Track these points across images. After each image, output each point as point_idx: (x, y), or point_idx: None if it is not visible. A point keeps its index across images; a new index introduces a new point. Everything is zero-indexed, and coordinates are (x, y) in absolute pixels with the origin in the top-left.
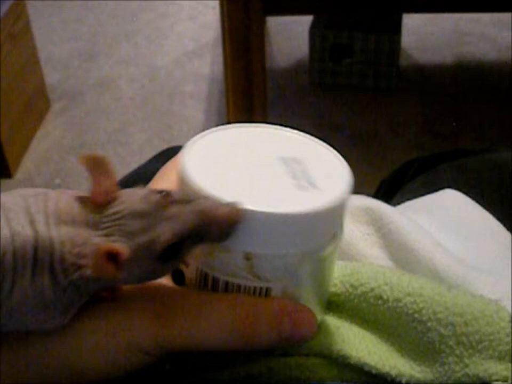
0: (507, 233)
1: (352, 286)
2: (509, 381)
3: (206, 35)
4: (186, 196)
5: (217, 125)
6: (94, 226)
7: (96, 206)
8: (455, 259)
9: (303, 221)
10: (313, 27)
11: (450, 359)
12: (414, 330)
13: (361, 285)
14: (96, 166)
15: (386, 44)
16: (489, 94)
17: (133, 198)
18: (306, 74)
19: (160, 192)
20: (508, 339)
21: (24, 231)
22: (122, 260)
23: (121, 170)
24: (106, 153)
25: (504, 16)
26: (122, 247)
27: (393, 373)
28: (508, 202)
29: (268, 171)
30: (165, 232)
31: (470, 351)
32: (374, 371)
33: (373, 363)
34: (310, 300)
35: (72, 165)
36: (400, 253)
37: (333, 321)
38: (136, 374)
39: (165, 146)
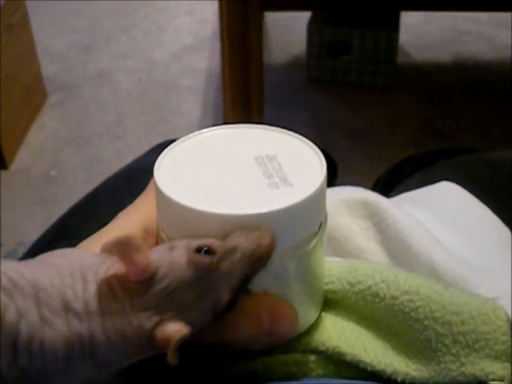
0: (506, 228)
1: (349, 283)
2: (506, 380)
3: (204, 29)
4: (225, 245)
5: (213, 120)
6: (139, 307)
7: (137, 285)
8: (453, 256)
9: (275, 218)
10: (311, 23)
11: (447, 357)
12: (410, 328)
13: (359, 282)
14: (123, 247)
15: (384, 41)
16: (487, 93)
17: (176, 266)
18: (303, 70)
19: (200, 250)
20: (505, 338)
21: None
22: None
23: (117, 163)
24: (103, 145)
25: (503, 16)
26: (183, 329)
27: (389, 370)
28: (505, 200)
29: (240, 172)
30: (224, 292)
31: (467, 350)
32: (369, 368)
33: (368, 360)
34: (299, 299)
35: (68, 157)
36: (397, 248)
37: (329, 318)
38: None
39: (161, 140)
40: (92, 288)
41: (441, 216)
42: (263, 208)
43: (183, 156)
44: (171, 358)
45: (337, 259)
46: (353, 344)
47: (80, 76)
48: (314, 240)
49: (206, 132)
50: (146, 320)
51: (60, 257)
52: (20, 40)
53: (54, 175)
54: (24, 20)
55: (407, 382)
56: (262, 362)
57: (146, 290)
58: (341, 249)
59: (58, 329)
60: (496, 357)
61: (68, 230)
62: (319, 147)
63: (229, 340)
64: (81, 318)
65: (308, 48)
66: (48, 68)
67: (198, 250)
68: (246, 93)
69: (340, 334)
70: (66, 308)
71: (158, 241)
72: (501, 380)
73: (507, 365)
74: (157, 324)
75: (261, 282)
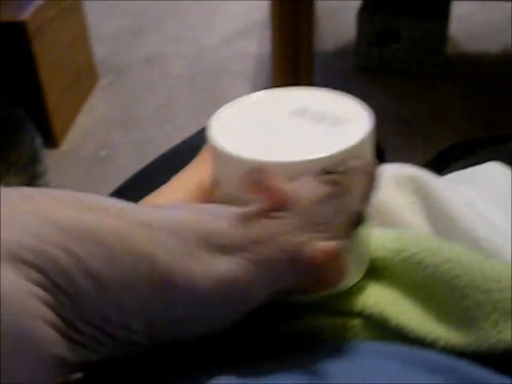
0: None
1: (394, 251)
2: None
3: (254, 15)
4: (342, 166)
5: None
6: (286, 231)
7: (278, 212)
8: (496, 230)
9: (329, 162)
10: (362, 11)
11: (486, 324)
12: (451, 296)
13: (403, 250)
14: (258, 178)
15: (434, 30)
16: None
17: (309, 189)
18: (352, 58)
19: (326, 172)
20: None
21: None
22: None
23: (166, 145)
24: (152, 127)
25: None
26: (340, 243)
27: (430, 337)
28: None
29: (293, 124)
30: (355, 203)
31: (505, 317)
32: (411, 335)
33: (411, 327)
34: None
35: (117, 138)
36: (441, 221)
37: (376, 285)
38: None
39: None
40: (234, 222)
41: (486, 193)
42: (327, 151)
43: (235, 115)
44: (340, 267)
45: (383, 229)
46: (397, 311)
47: (130, 59)
48: None
49: (255, 95)
50: (292, 242)
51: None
52: (72, 23)
53: (103, 155)
54: (76, 3)
55: (448, 348)
56: (310, 324)
57: (289, 214)
58: (389, 222)
59: (206, 263)
60: None
61: None
62: None
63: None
64: (227, 252)
65: (358, 36)
66: (99, 51)
67: (322, 173)
68: (295, 79)
69: (386, 300)
70: (208, 242)
71: (214, 197)
72: None
73: None
74: (304, 243)
75: None
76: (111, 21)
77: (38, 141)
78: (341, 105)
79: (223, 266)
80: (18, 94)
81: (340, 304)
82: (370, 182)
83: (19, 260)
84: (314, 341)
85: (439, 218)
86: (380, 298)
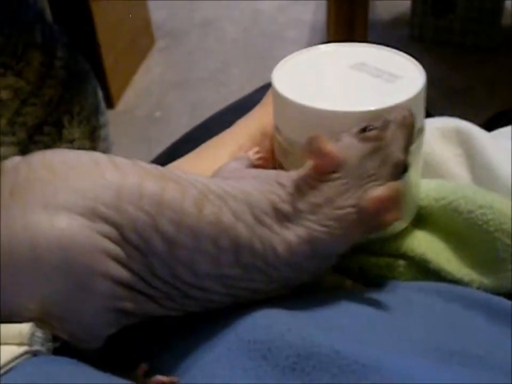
0: None
1: (435, 199)
2: None
3: None
4: (378, 120)
5: None
6: (341, 191)
7: (330, 174)
8: None
9: (358, 118)
10: None
11: (511, 266)
12: (483, 240)
13: (442, 198)
14: (310, 145)
15: (490, 2)
16: None
17: (353, 147)
18: (407, 28)
19: (363, 130)
20: None
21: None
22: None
23: (219, 108)
24: (207, 91)
25: None
26: (391, 187)
27: (466, 279)
28: None
29: (352, 77)
30: (398, 153)
31: None
32: (449, 277)
33: (449, 269)
34: None
35: (172, 100)
36: (482, 172)
37: (419, 230)
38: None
39: None
40: (291, 189)
41: None
42: (385, 103)
43: (298, 65)
44: (395, 215)
45: (427, 180)
46: (438, 254)
47: (187, 23)
48: (414, 145)
49: (320, 47)
50: (351, 198)
51: (245, 173)
52: None
53: (158, 116)
54: None
55: (481, 289)
56: (358, 262)
57: (340, 175)
58: (434, 173)
59: (275, 230)
60: None
61: (180, 156)
62: None
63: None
64: (292, 219)
65: (413, 6)
66: (156, 14)
67: (362, 130)
68: None
69: (428, 244)
70: (276, 211)
71: (273, 143)
72: None
73: None
74: (360, 196)
75: None
76: None
77: (100, 93)
78: (397, 63)
79: (292, 235)
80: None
81: (387, 246)
82: (408, 133)
83: (95, 214)
84: (361, 277)
85: (480, 169)
86: (422, 242)
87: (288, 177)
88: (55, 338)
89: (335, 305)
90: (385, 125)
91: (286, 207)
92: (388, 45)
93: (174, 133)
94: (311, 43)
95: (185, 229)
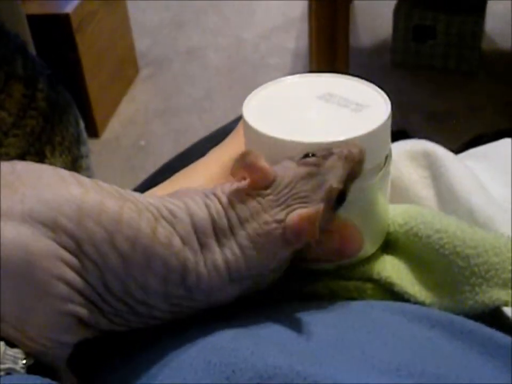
0: None
1: (399, 225)
2: (509, 305)
3: (293, 11)
4: (324, 150)
5: None
6: (269, 207)
7: (262, 190)
8: (491, 200)
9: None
10: (398, 7)
11: (466, 288)
12: (440, 264)
13: (405, 223)
14: (244, 160)
15: (470, 27)
16: None
17: (289, 169)
18: (389, 53)
19: (306, 155)
20: (511, 267)
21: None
22: (318, 219)
23: (204, 135)
24: (191, 118)
25: None
26: (316, 208)
27: (428, 302)
28: None
29: (317, 108)
30: (334, 182)
31: (480, 280)
32: (412, 299)
33: (412, 292)
34: (363, 228)
35: (156, 128)
36: (446, 194)
37: (385, 255)
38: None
39: None
40: (225, 202)
41: (495, 167)
42: (341, 136)
43: (268, 97)
44: (312, 235)
45: (395, 205)
46: (402, 278)
47: (171, 51)
48: (380, 174)
49: (288, 78)
50: (278, 215)
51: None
52: (115, 15)
53: (143, 145)
54: None
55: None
56: (327, 287)
57: (271, 191)
58: (403, 197)
59: (215, 250)
60: (503, 285)
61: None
62: (403, 128)
63: (310, 256)
64: (227, 235)
65: (394, 32)
66: (140, 43)
67: (303, 156)
68: None
69: (393, 267)
70: (215, 228)
71: None
72: (505, 305)
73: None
74: (288, 214)
75: None
76: (152, 14)
77: (81, 124)
78: (362, 92)
79: (228, 252)
80: (61, 84)
81: (357, 270)
82: (350, 167)
83: (57, 225)
84: (330, 300)
85: (444, 191)
86: (388, 266)
87: (223, 189)
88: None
89: (298, 325)
90: (327, 155)
91: (221, 221)
92: (370, 71)
93: (159, 161)
94: (294, 70)
95: (139, 248)
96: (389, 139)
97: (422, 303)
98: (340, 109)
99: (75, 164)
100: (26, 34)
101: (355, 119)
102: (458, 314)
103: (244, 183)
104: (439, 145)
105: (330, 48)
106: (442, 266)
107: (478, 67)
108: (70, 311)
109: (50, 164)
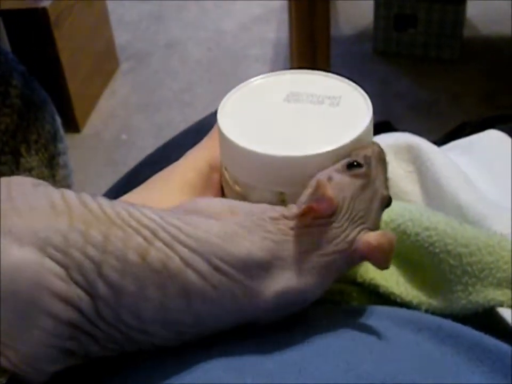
0: None
1: (385, 222)
2: (505, 305)
3: (272, 1)
4: (362, 157)
5: None
6: (334, 235)
7: (327, 217)
8: (480, 195)
9: (322, 159)
10: None
11: (458, 287)
12: (430, 262)
13: (391, 221)
14: (317, 190)
15: (451, 14)
16: None
17: (346, 187)
18: (370, 42)
19: (350, 165)
20: (506, 267)
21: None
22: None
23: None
24: (172, 112)
25: None
26: (385, 233)
27: (415, 301)
28: None
29: (292, 110)
30: (383, 189)
31: (473, 279)
32: (399, 300)
33: (398, 292)
34: None
35: (137, 122)
36: (432, 189)
37: None
38: None
39: None
40: (286, 229)
41: (480, 160)
42: (319, 149)
43: (240, 103)
44: (385, 263)
45: None
46: (387, 278)
47: (151, 45)
48: None
49: (259, 79)
50: (340, 244)
51: (216, 205)
52: (93, 9)
53: (124, 139)
54: None
55: (429, 311)
56: None
57: (334, 219)
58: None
59: (235, 279)
60: (498, 284)
61: (138, 181)
62: (387, 119)
63: None
64: (267, 267)
65: (375, 21)
66: (120, 37)
67: (349, 166)
68: (312, 64)
69: (377, 269)
70: (247, 258)
71: (222, 178)
72: (501, 305)
73: (507, 291)
74: (353, 240)
75: None
76: (131, 7)
77: (58, 121)
78: (332, 86)
79: (281, 282)
80: (40, 80)
81: None
82: (385, 167)
83: (46, 253)
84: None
85: (430, 186)
86: (370, 268)
87: (283, 215)
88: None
89: (280, 334)
90: (367, 161)
91: (265, 256)
92: (351, 60)
93: (141, 155)
94: (275, 61)
95: (129, 277)
96: (372, 139)
97: (409, 303)
98: (316, 106)
99: (52, 161)
100: (0, 30)
101: (337, 117)
102: (449, 314)
103: (304, 213)
104: (423, 138)
105: (310, 38)
106: (432, 265)
107: (459, 55)
108: (57, 345)
109: (26, 162)
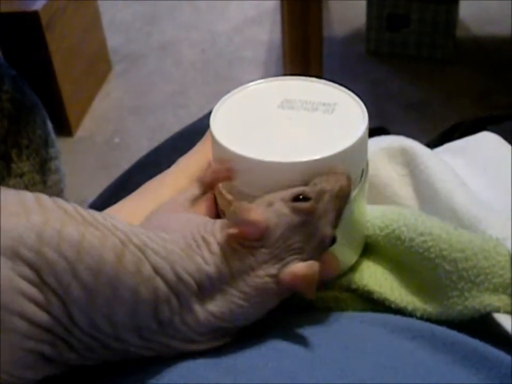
0: None
1: (379, 228)
2: (501, 311)
3: (266, 2)
4: (314, 190)
5: None
6: (262, 261)
7: (255, 241)
8: (474, 199)
9: (319, 166)
10: None
11: (454, 293)
12: (425, 268)
13: (386, 226)
14: (235, 215)
15: (444, 14)
16: None
17: (283, 217)
18: (363, 43)
19: (296, 198)
20: (502, 272)
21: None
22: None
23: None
24: (166, 114)
25: None
26: (312, 267)
27: (410, 307)
28: None
29: (286, 117)
30: (327, 228)
31: (469, 284)
32: (393, 306)
33: (392, 298)
34: (341, 244)
35: (131, 125)
36: (426, 192)
37: (363, 261)
38: None
39: None
40: (216, 250)
41: (474, 163)
42: (313, 156)
43: (233, 110)
44: (309, 294)
45: (372, 206)
46: (381, 284)
47: (144, 47)
48: (357, 189)
49: (253, 85)
50: (270, 268)
51: (173, 221)
52: (85, 11)
53: (118, 142)
54: None
55: (424, 317)
56: (305, 298)
57: (264, 243)
58: (380, 195)
59: (193, 291)
60: (494, 290)
61: (130, 185)
62: (381, 125)
63: None
64: (214, 282)
65: (367, 21)
66: (113, 39)
67: (295, 199)
68: (305, 65)
69: (371, 275)
70: (199, 271)
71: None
72: (497, 311)
73: (503, 296)
74: (281, 268)
75: None
76: (124, 9)
77: (49, 125)
78: (327, 92)
79: (212, 304)
80: (32, 83)
81: (332, 283)
82: (342, 205)
83: (16, 255)
84: (308, 313)
85: (425, 189)
86: (364, 273)
87: (214, 234)
88: None
89: (272, 343)
90: (319, 196)
91: (210, 270)
92: (344, 61)
93: (134, 158)
94: (268, 62)
95: (103, 278)
96: (366, 153)
97: (404, 309)
98: (309, 115)
99: (44, 166)
100: None
101: (329, 126)
102: (444, 320)
103: (234, 234)
104: (417, 141)
105: (303, 39)
106: (427, 270)
107: (452, 55)
108: (32, 349)
109: (18, 168)
